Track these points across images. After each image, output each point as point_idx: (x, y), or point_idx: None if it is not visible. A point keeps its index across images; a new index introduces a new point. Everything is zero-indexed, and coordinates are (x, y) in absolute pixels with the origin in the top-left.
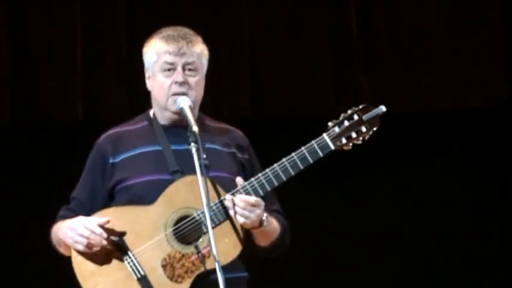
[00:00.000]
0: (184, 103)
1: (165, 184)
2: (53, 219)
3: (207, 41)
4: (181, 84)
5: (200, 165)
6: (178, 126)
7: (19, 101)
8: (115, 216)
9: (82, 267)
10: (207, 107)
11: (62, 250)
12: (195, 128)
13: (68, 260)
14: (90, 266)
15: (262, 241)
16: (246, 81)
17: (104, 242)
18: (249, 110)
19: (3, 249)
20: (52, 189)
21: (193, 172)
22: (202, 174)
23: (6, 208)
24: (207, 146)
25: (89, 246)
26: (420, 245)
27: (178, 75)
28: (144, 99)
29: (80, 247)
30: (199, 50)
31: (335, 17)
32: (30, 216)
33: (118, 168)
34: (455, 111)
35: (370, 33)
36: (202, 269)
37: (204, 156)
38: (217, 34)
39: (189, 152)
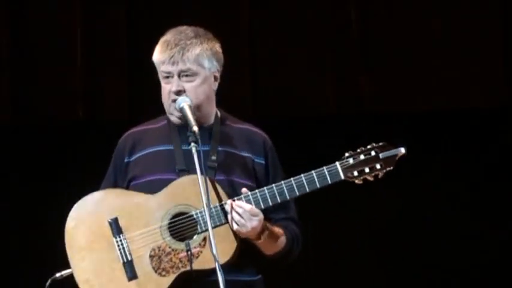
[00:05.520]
0: (184, 103)
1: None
2: (52, 218)
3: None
4: (177, 93)
5: (200, 165)
6: None
7: (19, 101)
8: (117, 197)
9: (73, 241)
10: None
11: None
12: (195, 128)
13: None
14: (81, 241)
15: (265, 250)
16: (246, 81)
17: None
18: (249, 110)
19: (3, 248)
20: (52, 189)
21: (201, 172)
22: (202, 174)
23: (6, 207)
24: (221, 148)
25: None
26: (419, 245)
27: (173, 84)
28: (144, 99)
29: None
30: (195, 55)
31: (335, 17)
32: (30, 215)
33: (131, 167)
34: (455, 111)
35: (370, 33)
36: (188, 268)
37: (214, 158)
38: (217, 34)
39: (200, 152)
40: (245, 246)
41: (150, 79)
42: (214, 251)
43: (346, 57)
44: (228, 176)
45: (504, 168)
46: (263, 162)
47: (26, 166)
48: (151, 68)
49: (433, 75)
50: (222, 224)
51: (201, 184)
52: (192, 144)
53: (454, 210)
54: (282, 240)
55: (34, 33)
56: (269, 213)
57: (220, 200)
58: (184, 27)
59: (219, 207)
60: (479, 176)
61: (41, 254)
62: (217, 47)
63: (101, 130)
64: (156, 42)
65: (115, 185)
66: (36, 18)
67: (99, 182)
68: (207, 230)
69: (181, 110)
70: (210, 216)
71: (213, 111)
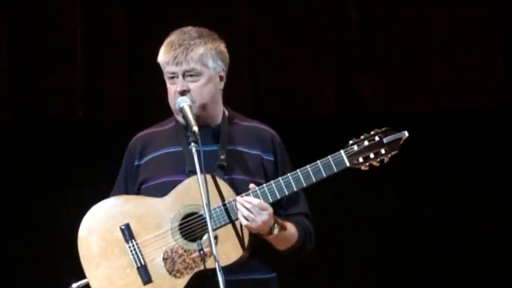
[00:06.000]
0: (184, 103)
1: None
2: (52, 218)
3: None
4: (182, 93)
5: (200, 165)
6: (200, 127)
7: (19, 101)
8: (127, 203)
9: (86, 250)
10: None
11: None
12: (195, 128)
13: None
14: (94, 249)
15: (278, 246)
16: (246, 81)
17: None
18: (249, 110)
19: (3, 248)
20: (52, 189)
21: (210, 172)
22: (202, 173)
23: (6, 207)
24: (229, 147)
25: None
26: (419, 245)
27: (178, 85)
28: (144, 99)
29: None
30: (198, 54)
31: (335, 17)
32: (30, 215)
33: (141, 170)
34: (455, 111)
35: (370, 33)
36: (201, 267)
37: (223, 157)
38: (217, 34)
39: (209, 152)
40: (258, 243)
41: (150, 79)
42: (214, 251)
43: (346, 57)
44: (238, 175)
45: (504, 168)
46: (272, 159)
47: (26, 166)
48: (151, 68)
49: (433, 75)
50: (231, 221)
51: (201, 184)
52: (192, 144)
53: (454, 210)
54: (295, 234)
55: (34, 33)
56: (280, 210)
57: (228, 198)
58: (188, 28)
59: (227, 205)
60: (479, 176)
61: (41, 254)
62: (222, 47)
63: (101, 130)
64: (156, 42)
65: (126, 188)
66: (36, 18)
67: (99, 181)
68: (217, 228)
69: (181, 110)
70: (220, 215)
71: (220, 111)
